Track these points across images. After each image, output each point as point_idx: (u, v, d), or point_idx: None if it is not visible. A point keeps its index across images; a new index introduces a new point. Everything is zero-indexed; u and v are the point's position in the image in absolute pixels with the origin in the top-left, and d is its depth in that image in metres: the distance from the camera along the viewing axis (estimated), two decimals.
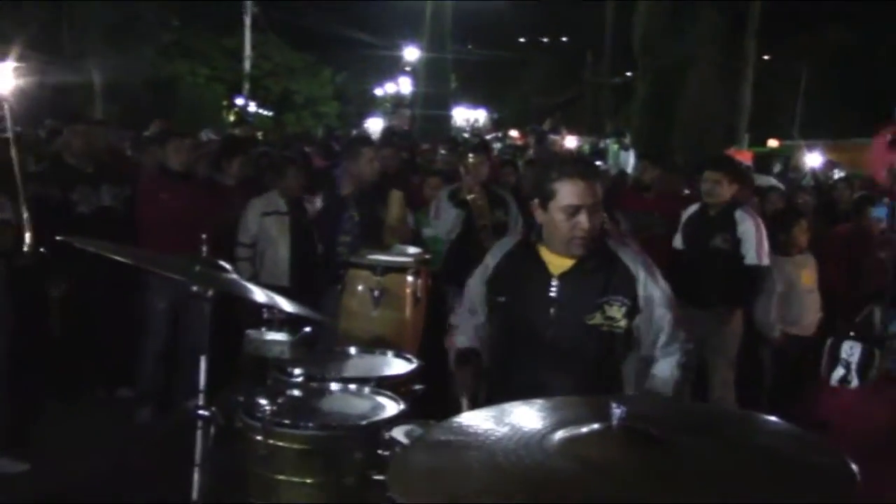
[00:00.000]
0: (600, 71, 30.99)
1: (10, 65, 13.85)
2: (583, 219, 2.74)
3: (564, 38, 39.29)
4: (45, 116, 11.18)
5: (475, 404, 2.66)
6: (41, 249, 4.30)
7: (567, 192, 2.74)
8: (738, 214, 5.39)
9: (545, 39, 41.20)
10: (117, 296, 5.80)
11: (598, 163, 10.27)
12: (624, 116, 24.55)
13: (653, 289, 2.86)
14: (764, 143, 21.25)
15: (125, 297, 5.83)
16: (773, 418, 1.44)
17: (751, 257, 5.32)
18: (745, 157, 15.99)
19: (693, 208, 5.69)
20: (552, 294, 2.86)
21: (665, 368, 2.87)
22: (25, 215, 4.30)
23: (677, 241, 5.68)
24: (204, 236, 2.53)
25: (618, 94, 28.96)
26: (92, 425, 5.40)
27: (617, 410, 1.26)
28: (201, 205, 5.60)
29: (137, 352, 5.77)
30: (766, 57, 25.26)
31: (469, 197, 5.68)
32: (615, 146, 21.78)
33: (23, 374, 4.91)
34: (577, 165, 2.83)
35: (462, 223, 5.78)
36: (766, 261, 5.36)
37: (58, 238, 2.41)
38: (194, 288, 2.40)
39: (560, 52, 38.25)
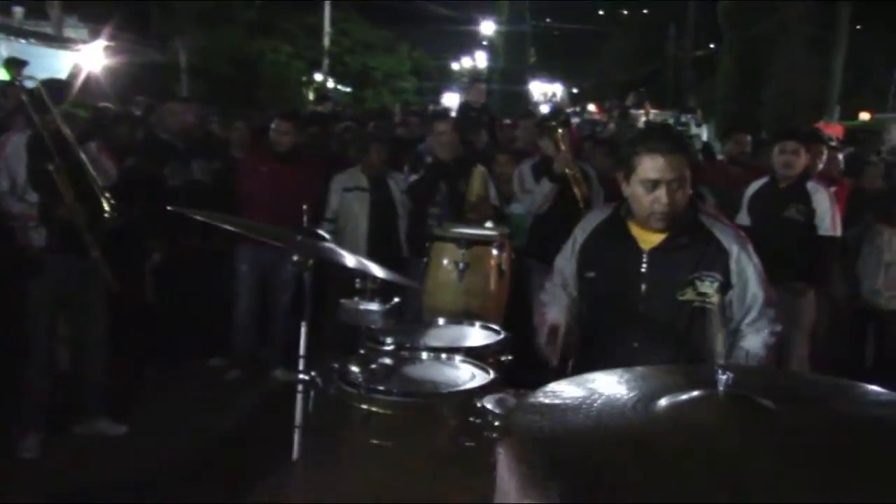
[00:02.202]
0: (683, 44, 30.33)
1: (101, 44, 14.30)
2: (661, 193, 2.69)
3: (645, 11, 38.54)
4: (134, 94, 11.54)
5: (562, 377, 2.67)
6: (121, 215, 4.50)
7: (647, 166, 2.70)
8: (811, 186, 5.38)
9: (625, 12, 40.49)
10: (207, 267, 6.03)
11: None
12: (707, 90, 24.02)
13: (746, 264, 2.81)
14: (855, 117, 20.51)
15: (214, 268, 6.05)
16: (883, 390, 1.42)
17: (825, 228, 5.30)
18: (835, 130, 15.47)
19: (759, 182, 5.63)
20: (642, 270, 2.84)
21: (753, 344, 2.83)
22: (100, 183, 4.49)
23: (742, 217, 5.58)
24: (305, 207, 2.61)
25: (700, 68, 28.32)
26: (187, 392, 5.64)
27: (723, 377, 1.28)
28: (304, 182, 5.79)
29: (228, 318, 6.00)
30: (858, 27, 24.28)
31: (568, 171, 5.66)
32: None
33: (121, 341, 5.13)
34: (661, 139, 2.76)
35: (554, 197, 5.77)
36: (839, 231, 5.35)
37: (169, 208, 2.51)
38: (295, 257, 2.48)
39: (641, 25, 37.53)
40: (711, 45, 26.97)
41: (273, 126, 6.06)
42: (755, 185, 5.64)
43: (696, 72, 28.86)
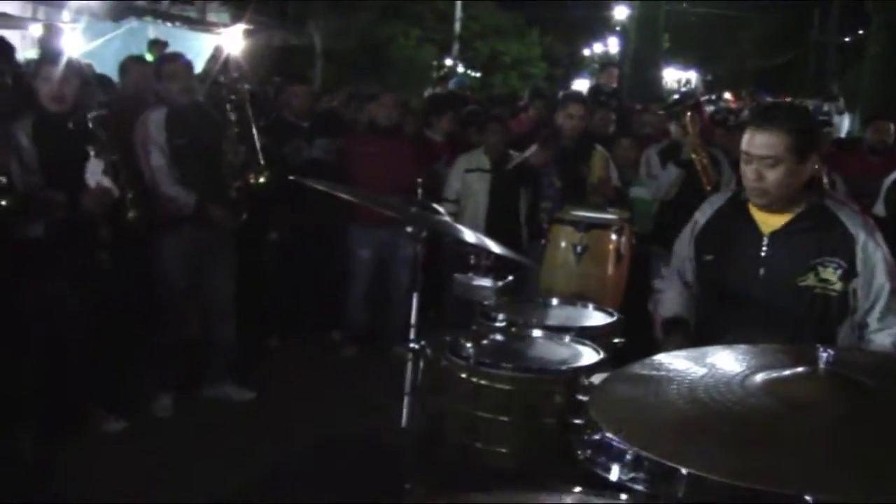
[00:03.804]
0: (827, 29, 28.89)
1: (241, 27, 14.90)
2: (748, 169, 2.70)
3: None
4: (271, 75, 11.95)
5: None
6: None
7: (744, 139, 2.72)
8: None
9: None
10: (325, 244, 6.21)
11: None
12: (853, 78, 22.82)
13: (874, 253, 2.71)
14: None
15: (333, 243, 6.22)
16: None
17: None
18: None
19: None
20: (762, 253, 2.79)
21: (883, 339, 2.72)
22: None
23: (879, 209, 5.29)
24: (419, 180, 2.67)
25: (846, 55, 26.94)
26: (308, 363, 5.84)
27: (824, 354, 1.25)
28: (407, 159, 5.85)
29: (346, 297, 6.16)
30: None
31: (693, 157, 5.53)
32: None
33: (248, 310, 5.37)
34: (764, 114, 2.77)
35: (681, 183, 5.66)
36: None
37: (290, 178, 2.61)
38: (408, 228, 2.55)
39: (783, 10, 35.91)
40: (860, 31, 25.57)
41: (378, 101, 6.16)
42: (893, 176, 5.36)
43: (842, 58, 27.46)
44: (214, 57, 12.05)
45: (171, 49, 8.85)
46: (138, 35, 11.90)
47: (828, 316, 2.75)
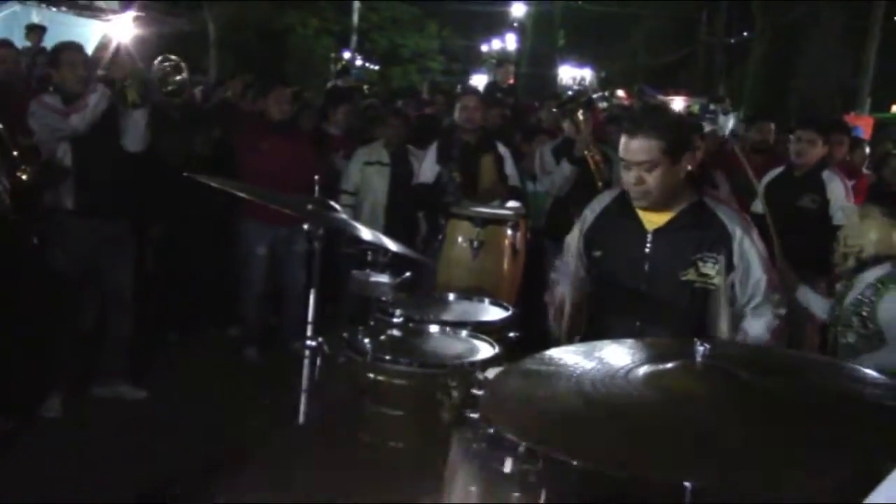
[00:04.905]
0: (715, 30, 29.99)
1: (131, 14, 14.39)
2: (628, 175, 2.81)
3: None
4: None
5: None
6: None
7: (621, 146, 2.83)
8: (826, 175, 5.34)
9: None
10: (222, 239, 6.09)
11: (705, 125, 9.91)
12: (738, 78, 23.80)
13: (749, 248, 2.86)
14: (888, 109, 20.21)
15: (224, 239, 6.10)
16: (861, 367, 1.47)
17: (839, 218, 5.24)
18: (865, 122, 15.28)
19: (776, 171, 5.61)
20: (647, 250, 2.92)
21: (756, 328, 2.88)
22: None
23: (757, 206, 5.55)
24: (316, 177, 2.67)
25: (732, 55, 28.02)
26: (204, 360, 5.74)
27: (700, 348, 1.33)
28: (302, 154, 5.73)
29: (239, 295, 6.03)
30: (895, 18, 23.83)
31: (586, 154, 5.66)
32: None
33: (145, 307, 5.23)
34: (635, 120, 2.87)
35: (574, 180, 5.78)
36: None
37: (183, 174, 2.57)
38: (305, 226, 2.54)
39: (673, 10, 37.03)
40: (745, 33, 26.67)
41: (272, 95, 5.83)
42: (772, 174, 5.62)
43: (728, 59, 28.55)
44: (102, 45, 11.65)
45: (52, 35, 8.50)
46: (21, 19, 11.40)
47: (708, 308, 2.88)
